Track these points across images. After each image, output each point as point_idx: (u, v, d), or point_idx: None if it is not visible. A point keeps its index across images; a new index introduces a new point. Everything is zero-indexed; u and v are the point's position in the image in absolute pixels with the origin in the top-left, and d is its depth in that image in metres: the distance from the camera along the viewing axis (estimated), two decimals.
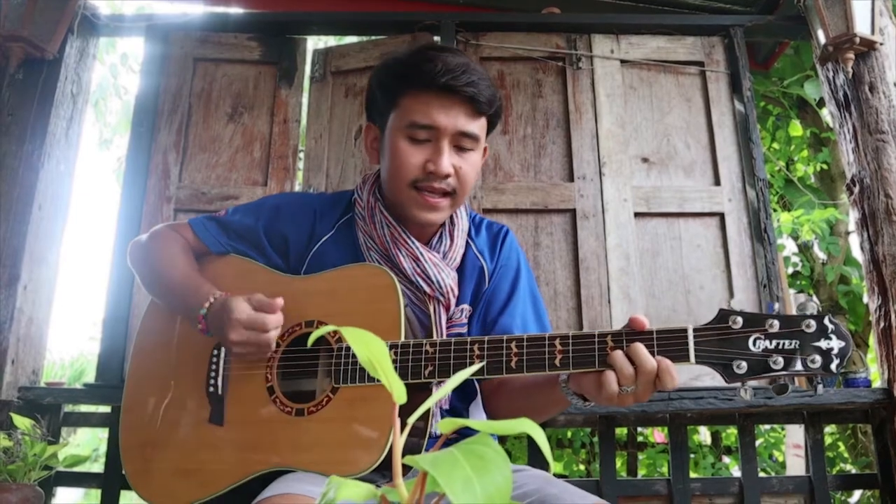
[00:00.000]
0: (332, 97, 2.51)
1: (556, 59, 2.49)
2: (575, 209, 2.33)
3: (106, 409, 2.23)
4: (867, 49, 2.23)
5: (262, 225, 1.29)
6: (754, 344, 0.94)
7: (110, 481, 2.07)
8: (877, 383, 2.14)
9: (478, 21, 2.53)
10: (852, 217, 2.33)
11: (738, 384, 0.96)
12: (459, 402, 1.29)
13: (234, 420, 1.16)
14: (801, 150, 4.37)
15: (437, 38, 2.47)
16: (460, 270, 1.29)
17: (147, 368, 1.28)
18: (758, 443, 3.62)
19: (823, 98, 2.46)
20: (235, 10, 2.85)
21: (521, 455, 3.17)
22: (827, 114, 2.78)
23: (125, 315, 2.23)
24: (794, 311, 0.95)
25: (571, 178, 2.37)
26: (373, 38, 2.65)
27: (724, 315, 0.97)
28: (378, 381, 0.46)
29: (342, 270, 1.19)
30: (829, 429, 3.79)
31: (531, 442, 1.77)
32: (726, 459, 4.14)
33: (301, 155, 2.66)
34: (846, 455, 4.02)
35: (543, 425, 1.66)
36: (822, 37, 2.26)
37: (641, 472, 4.05)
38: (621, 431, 3.94)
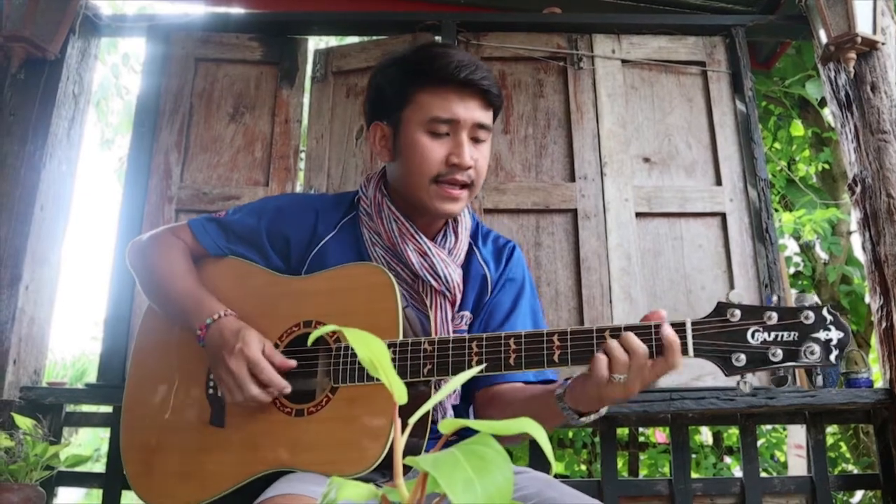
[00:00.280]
0: (333, 97, 2.51)
1: (557, 59, 2.49)
2: (576, 209, 2.33)
3: (107, 409, 2.23)
4: (869, 49, 2.23)
5: (265, 226, 1.28)
6: (753, 336, 0.94)
7: (112, 481, 2.07)
8: (879, 383, 2.13)
9: (479, 21, 2.53)
10: (854, 217, 2.32)
11: (738, 377, 0.95)
12: (460, 403, 1.29)
13: (234, 422, 1.15)
14: (802, 149, 4.37)
15: (438, 38, 2.47)
16: (465, 275, 1.28)
17: (147, 370, 1.28)
18: (759, 443, 3.61)
19: (825, 98, 2.45)
20: (237, 11, 2.85)
21: (523, 455, 3.16)
22: (828, 113, 2.78)
23: (126, 315, 2.23)
24: None
25: (573, 178, 2.36)
26: (374, 38, 2.66)
27: (722, 308, 0.96)
28: (377, 379, 0.46)
29: (340, 270, 1.19)
30: (830, 429, 3.79)
31: (533, 442, 1.77)
32: (728, 460, 4.14)
33: (302, 155, 2.66)
34: (848, 455, 4.02)
35: None
36: (823, 36, 2.25)
37: (643, 473, 4.05)
38: (623, 432, 3.94)
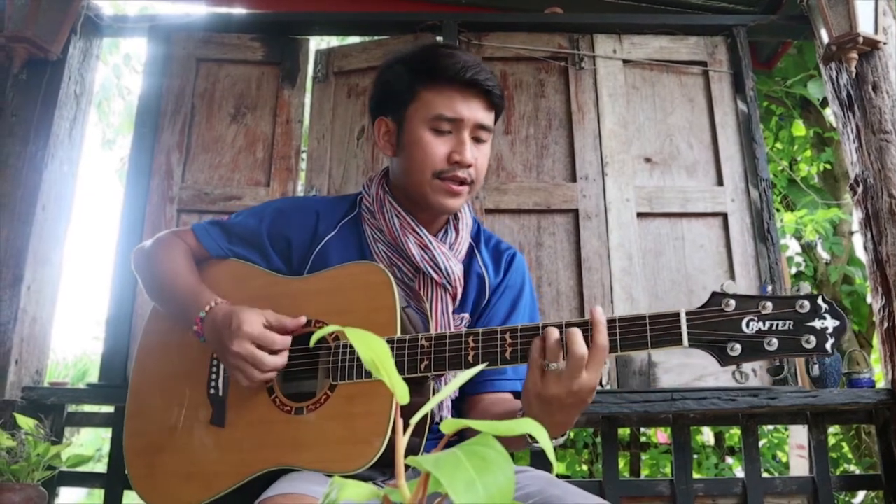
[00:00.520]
0: (334, 97, 2.52)
1: (558, 60, 2.49)
2: (577, 209, 2.33)
3: (109, 408, 2.23)
4: (870, 49, 2.23)
5: (266, 227, 1.30)
6: (747, 326, 0.93)
7: (113, 481, 2.08)
8: (880, 384, 2.13)
9: (480, 21, 2.53)
10: (856, 217, 2.32)
11: (733, 367, 0.95)
12: (461, 404, 1.29)
13: (234, 421, 1.16)
14: (804, 149, 4.37)
15: (439, 39, 2.47)
16: (465, 274, 1.30)
17: (150, 374, 1.29)
18: (761, 443, 3.61)
19: (826, 98, 2.45)
20: (238, 11, 2.86)
21: (524, 455, 3.16)
22: (830, 113, 2.78)
23: (128, 315, 2.24)
24: None
25: (574, 179, 2.36)
26: (375, 38, 2.66)
27: (716, 298, 0.96)
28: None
29: (339, 269, 1.20)
30: (832, 429, 3.79)
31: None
32: (729, 460, 4.14)
33: (304, 155, 2.66)
34: (850, 456, 4.02)
35: None
36: (825, 36, 2.25)
37: (644, 473, 4.05)
38: (624, 432, 3.94)
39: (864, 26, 2.19)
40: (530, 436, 1.03)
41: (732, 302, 0.94)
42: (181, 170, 2.40)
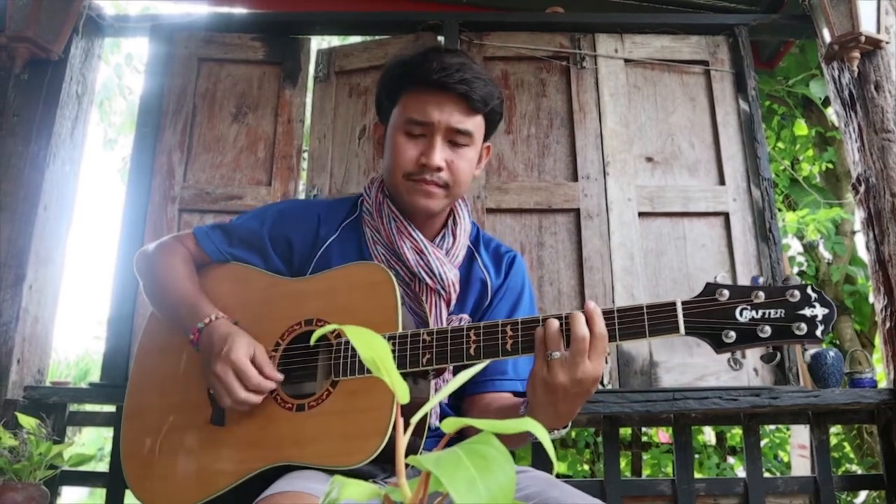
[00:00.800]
0: (335, 97, 2.52)
1: (559, 59, 2.49)
2: (579, 209, 2.32)
3: (111, 408, 2.24)
4: (873, 48, 2.23)
5: (267, 229, 1.32)
6: (741, 314, 0.96)
7: (115, 480, 2.08)
8: (882, 383, 2.13)
9: (481, 21, 2.53)
10: (858, 216, 2.32)
11: (728, 354, 0.98)
12: (460, 402, 1.30)
13: (235, 420, 1.16)
14: (806, 149, 4.36)
15: (440, 38, 2.47)
16: (465, 279, 1.31)
17: (149, 374, 1.29)
18: (763, 443, 3.61)
19: (829, 97, 2.45)
20: (239, 11, 2.86)
21: (525, 455, 3.16)
22: (832, 113, 2.78)
23: (130, 314, 2.24)
24: None
25: (575, 178, 2.36)
26: (376, 37, 2.65)
27: (710, 288, 0.99)
28: None
29: (340, 269, 1.21)
30: (834, 429, 3.78)
31: (535, 442, 1.76)
32: (731, 460, 4.14)
33: (305, 155, 2.67)
34: (852, 455, 4.01)
35: None
36: (827, 36, 2.25)
37: (646, 473, 4.04)
38: (625, 431, 3.94)
39: (867, 25, 2.18)
40: None
41: (726, 292, 0.98)
42: (183, 169, 2.40)
